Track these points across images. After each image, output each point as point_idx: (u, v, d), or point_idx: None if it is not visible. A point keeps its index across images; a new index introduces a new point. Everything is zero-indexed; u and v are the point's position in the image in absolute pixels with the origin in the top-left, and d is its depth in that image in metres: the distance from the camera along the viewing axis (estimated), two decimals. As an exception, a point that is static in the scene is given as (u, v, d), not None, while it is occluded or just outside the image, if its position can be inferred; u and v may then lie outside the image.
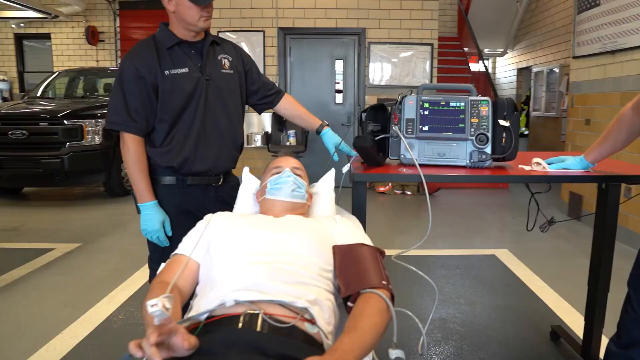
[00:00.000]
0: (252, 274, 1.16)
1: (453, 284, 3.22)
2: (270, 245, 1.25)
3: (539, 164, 1.74)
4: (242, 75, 1.97)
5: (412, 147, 1.78)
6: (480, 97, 1.76)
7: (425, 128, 1.77)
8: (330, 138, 1.99)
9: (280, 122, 6.14)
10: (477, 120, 1.73)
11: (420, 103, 1.78)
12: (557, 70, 7.24)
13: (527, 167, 1.77)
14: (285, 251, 1.24)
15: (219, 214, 1.45)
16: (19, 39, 11.58)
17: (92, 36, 11.40)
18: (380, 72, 6.43)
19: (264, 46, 6.56)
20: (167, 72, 1.75)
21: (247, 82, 2.00)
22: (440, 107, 1.77)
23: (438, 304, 2.86)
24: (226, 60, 1.92)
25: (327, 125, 2.04)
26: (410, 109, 1.78)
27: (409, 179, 1.64)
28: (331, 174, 1.73)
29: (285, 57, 6.64)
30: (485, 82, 7.77)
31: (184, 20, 1.73)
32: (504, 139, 1.74)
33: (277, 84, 2.04)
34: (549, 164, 1.77)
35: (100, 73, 7.60)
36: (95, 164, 5.65)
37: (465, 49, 8.59)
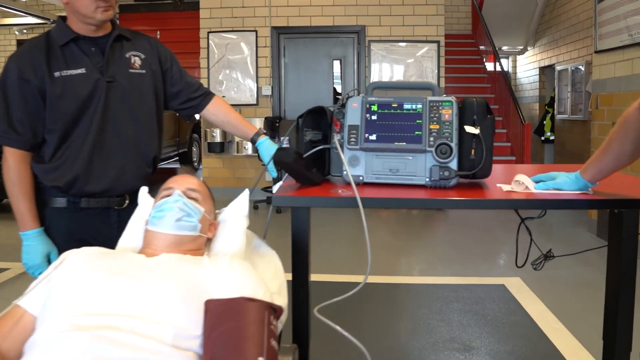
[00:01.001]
0: (68, 347, 0.84)
1: (448, 322, 2.84)
2: (111, 302, 0.94)
3: (521, 183, 1.38)
4: (159, 75, 1.68)
5: (357, 161, 1.45)
6: (442, 98, 1.42)
7: (373, 137, 1.43)
8: (268, 149, 1.68)
9: (272, 128, 5.84)
10: (437, 127, 1.39)
11: (367, 106, 1.45)
12: (582, 67, 6.79)
13: (506, 187, 1.41)
14: (130, 310, 0.93)
15: (78, 251, 1.15)
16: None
17: (91, 41, 11.36)
18: (383, 72, 6.10)
19: (257, 47, 6.30)
20: (57, 73, 1.51)
21: (165, 84, 1.71)
22: (392, 111, 1.44)
23: (425, 348, 2.50)
24: (137, 58, 1.64)
25: (265, 134, 1.73)
26: (354, 113, 1.45)
27: (345, 203, 1.30)
28: (244, 196, 1.40)
29: (279, 58, 6.36)
30: (504, 83, 7.35)
31: (79, 12, 1.51)
32: (473, 151, 1.39)
33: (204, 85, 1.68)
34: (536, 181, 1.42)
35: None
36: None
37: (481, 47, 8.19)
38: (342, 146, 1.47)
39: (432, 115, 1.40)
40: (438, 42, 5.99)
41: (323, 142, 1.53)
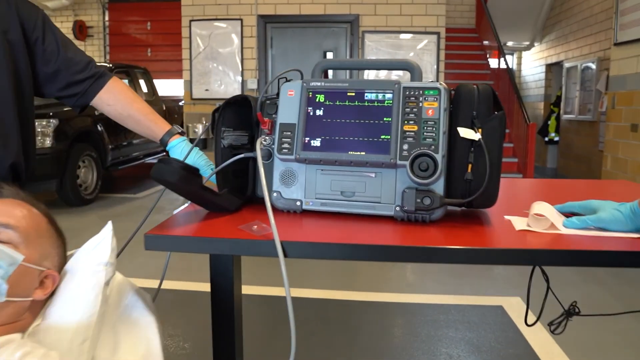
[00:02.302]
0: None
1: (432, 354, 2.34)
2: None
3: (542, 217, 0.87)
4: (21, 47, 1.17)
5: (292, 177, 0.94)
6: (424, 83, 0.91)
7: (317, 142, 0.92)
8: (182, 155, 1.18)
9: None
10: (415, 128, 0.88)
11: (309, 94, 0.94)
12: (593, 65, 6.26)
13: (519, 222, 0.91)
14: None
15: None
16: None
17: (80, 31, 10.91)
18: (378, 66, 5.58)
19: (242, 36, 5.78)
20: None
21: (35, 61, 1.20)
22: (347, 103, 0.93)
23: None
24: None
25: (181, 133, 1.22)
26: (289, 105, 0.95)
27: (256, 249, 0.79)
28: (105, 233, 0.89)
29: (266, 49, 5.84)
30: (508, 80, 6.82)
31: None
32: (470, 167, 0.88)
33: (97, 64, 1.11)
34: (564, 213, 0.92)
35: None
36: (45, 170, 5.07)
37: (485, 42, 7.65)
38: (270, 154, 0.96)
39: (409, 110, 0.89)
40: (438, 33, 5.46)
41: (250, 147, 1.02)
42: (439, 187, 0.89)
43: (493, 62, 7.61)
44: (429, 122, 0.88)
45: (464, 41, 7.42)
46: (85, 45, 10.93)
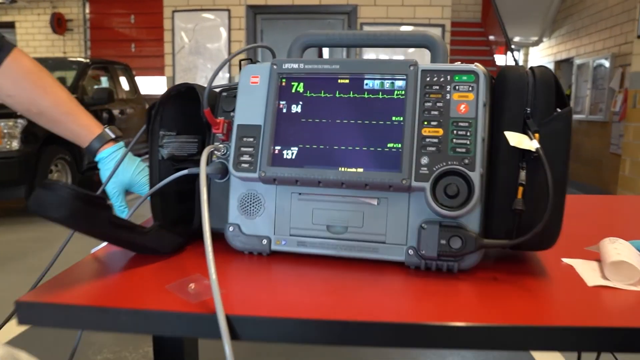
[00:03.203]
0: None
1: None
2: None
3: (624, 263, 0.60)
4: None
5: (257, 204, 0.66)
6: (452, 66, 0.62)
7: (291, 153, 0.64)
8: (118, 169, 0.89)
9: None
10: (439, 133, 0.60)
11: (281, 82, 0.66)
12: (607, 62, 6.00)
13: (588, 270, 0.63)
14: None
15: None
16: (-20, 28, 10.86)
17: (59, 24, 10.58)
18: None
19: (229, 29, 5.50)
20: None
21: None
22: (338, 95, 0.64)
23: None
24: None
25: (117, 139, 0.92)
26: (251, 98, 0.66)
27: (192, 329, 0.51)
28: None
29: (255, 42, 5.55)
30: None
31: None
32: (521, 190, 0.60)
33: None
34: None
35: (55, 64, 6.67)
36: (12, 175, 4.77)
37: (491, 37, 7.40)
38: (226, 170, 0.68)
39: (430, 104, 0.61)
40: (443, 26, 5.19)
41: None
42: (473, 221, 0.61)
43: (499, 59, 7.35)
44: (460, 124, 0.60)
45: (469, 36, 7.16)
46: (65, 39, 10.61)
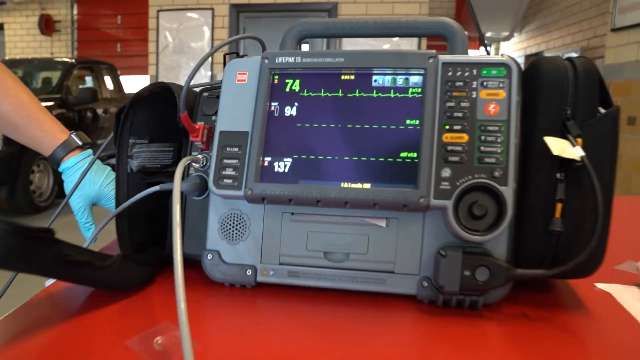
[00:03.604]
0: None
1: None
2: None
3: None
4: None
5: (240, 227, 0.52)
6: (479, 58, 0.49)
7: (284, 165, 0.50)
8: (85, 180, 0.73)
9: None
10: (464, 139, 0.46)
11: (273, 79, 0.51)
12: (576, 55, 5.94)
13: (637, 306, 0.50)
14: None
15: None
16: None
17: (47, 25, 10.20)
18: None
19: (213, 27, 5.29)
20: None
21: None
22: (341, 94, 0.50)
23: None
24: None
25: (84, 146, 0.77)
26: (237, 99, 0.52)
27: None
28: None
29: (238, 40, 5.36)
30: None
31: None
32: (560, 207, 0.47)
33: None
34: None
35: (42, 65, 6.41)
36: (-9, 175, 4.55)
37: (465, 33, 7.29)
38: (204, 185, 0.54)
39: (453, 104, 0.48)
40: (420, 22, 5.05)
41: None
42: (500, 246, 0.48)
43: (473, 54, 7.24)
44: (489, 128, 0.47)
45: (440, 41, 7.04)
46: (52, 40, 10.25)
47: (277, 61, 0.51)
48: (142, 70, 8.98)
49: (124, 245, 0.60)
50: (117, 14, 9.98)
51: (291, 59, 0.51)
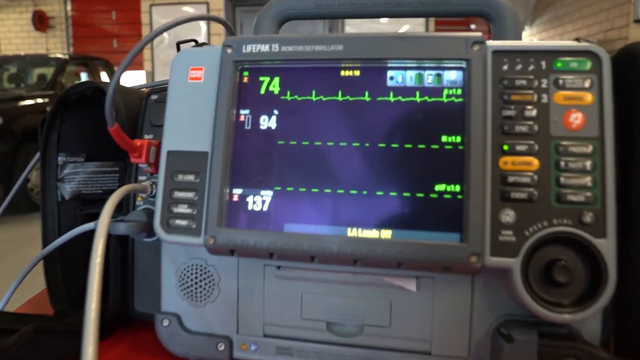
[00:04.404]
0: None
1: None
2: None
3: None
4: None
5: (207, 284, 0.36)
6: (548, 45, 0.33)
7: (260, 201, 0.34)
8: None
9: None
10: (533, 166, 0.30)
11: (242, 76, 0.35)
12: (590, 49, 5.76)
13: None
14: None
15: None
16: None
17: (40, 22, 10.08)
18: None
19: (208, 23, 5.13)
20: None
21: None
22: (340, 98, 0.34)
23: None
24: None
25: None
26: (190, 105, 0.35)
27: None
28: None
29: (235, 35, 5.21)
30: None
31: None
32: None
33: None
34: None
35: (36, 61, 6.31)
36: (-14, 173, 4.48)
37: (472, 26, 7.12)
38: (151, 227, 0.38)
39: (514, 113, 0.32)
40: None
41: (119, 203, 0.43)
42: (594, 325, 0.32)
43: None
44: (572, 149, 0.31)
45: (450, 25, 6.87)
46: (47, 37, 10.13)
47: (245, 50, 0.36)
48: (139, 66, 8.85)
49: (56, 298, 0.46)
50: (112, 9, 9.83)
51: (266, 48, 0.35)
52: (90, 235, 0.41)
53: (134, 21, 9.22)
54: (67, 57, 5.66)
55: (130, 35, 9.52)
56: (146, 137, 0.41)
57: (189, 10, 5.22)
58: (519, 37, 0.39)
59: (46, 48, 10.33)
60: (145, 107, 0.42)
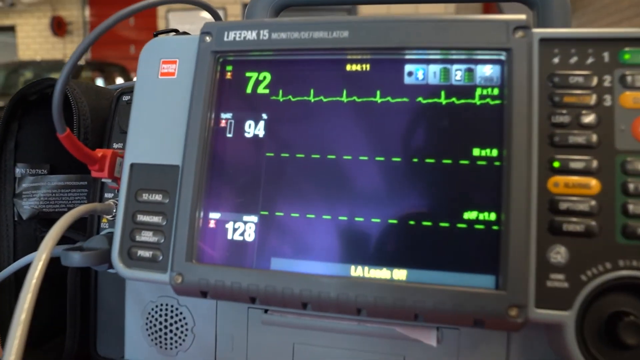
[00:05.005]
0: None
1: None
2: None
3: None
4: None
5: (178, 327, 0.28)
6: (613, 30, 0.25)
7: (241, 228, 0.26)
8: None
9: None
10: (593, 189, 0.22)
11: (224, 71, 0.28)
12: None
13: None
14: None
15: None
16: (-16, 33, 10.63)
17: (59, 27, 10.23)
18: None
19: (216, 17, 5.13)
20: None
21: None
22: (345, 99, 0.27)
23: None
24: None
25: None
26: (160, 107, 0.28)
27: None
28: None
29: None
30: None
31: None
32: None
33: None
34: None
35: (52, 66, 6.39)
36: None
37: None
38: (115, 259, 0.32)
39: (566, 120, 0.24)
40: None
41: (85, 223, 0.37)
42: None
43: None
44: (647, 167, 0.23)
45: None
46: (65, 42, 10.29)
47: (227, 39, 0.29)
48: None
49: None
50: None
51: (253, 35, 0.29)
52: (54, 261, 0.34)
53: (152, 27, 9.33)
54: (82, 62, 5.73)
55: (147, 41, 9.64)
56: (115, 146, 0.34)
57: (206, 16, 5.23)
58: (567, 24, 0.32)
59: (64, 54, 10.49)
60: (115, 110, 0.36)
